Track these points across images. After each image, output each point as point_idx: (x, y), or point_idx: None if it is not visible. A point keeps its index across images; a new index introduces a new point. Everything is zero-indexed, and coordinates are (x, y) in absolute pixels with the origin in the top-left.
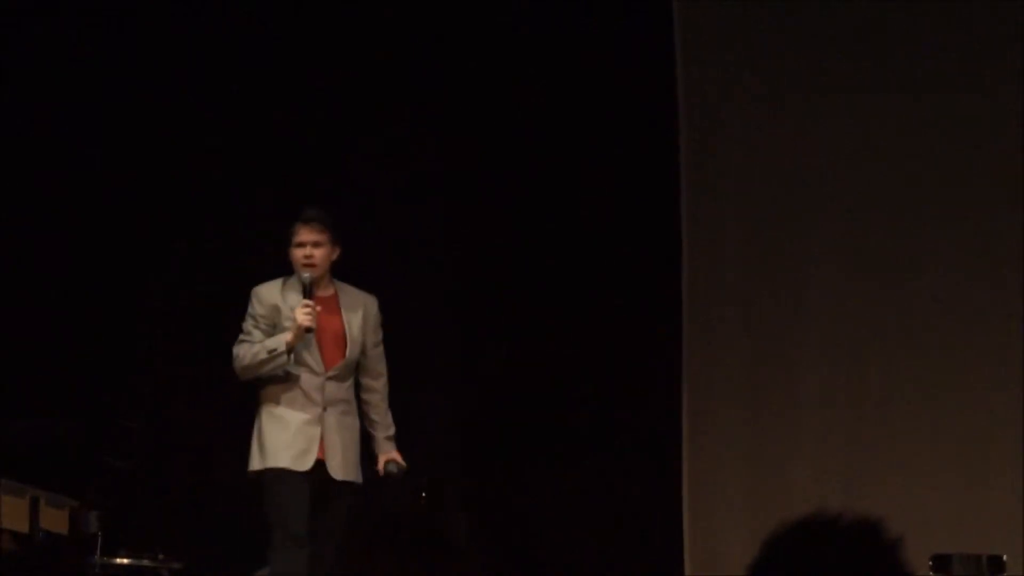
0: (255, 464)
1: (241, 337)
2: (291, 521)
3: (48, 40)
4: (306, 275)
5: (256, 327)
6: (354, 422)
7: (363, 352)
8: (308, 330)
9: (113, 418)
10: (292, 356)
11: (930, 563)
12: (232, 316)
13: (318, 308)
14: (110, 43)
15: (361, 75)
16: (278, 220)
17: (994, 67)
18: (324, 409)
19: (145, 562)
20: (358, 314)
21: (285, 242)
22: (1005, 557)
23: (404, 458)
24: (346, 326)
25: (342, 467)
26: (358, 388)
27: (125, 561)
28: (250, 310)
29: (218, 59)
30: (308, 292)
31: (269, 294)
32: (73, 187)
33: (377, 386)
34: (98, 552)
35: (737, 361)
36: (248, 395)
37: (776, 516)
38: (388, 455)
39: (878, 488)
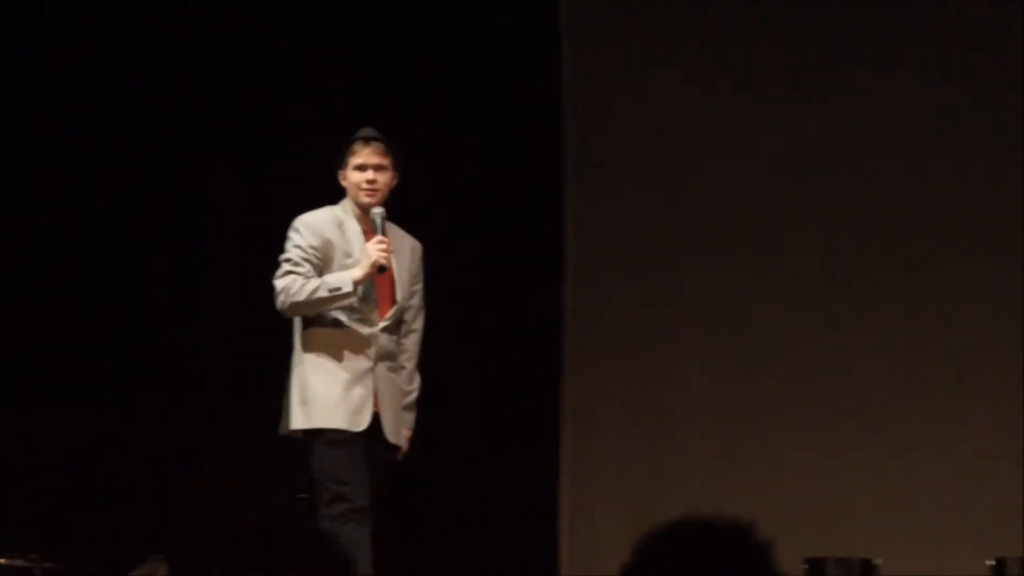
0: (298, 422)
1: (287, 268)
2: (355, 492)
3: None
4: (377, 210)
5: (306, 259)
6: (400, 379)
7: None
8: (382, 269)
9: None
10: (357, 297)
11: (804, 566)
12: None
13: (392, 247)
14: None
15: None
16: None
17: (863, 55)
18: (375, 363)
19: (19, 562)
20: (406, 258)
21: (334, 164)
22: (878, 561)
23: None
24: (396, 270)
25: (394, 428)
26: None
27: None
28: (297, 240)
29: None
30: (379, 227)
31: (320, 224)
32: None
33: (407, 343)
34: None
35: (617, 363)
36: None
37: (653, 518)
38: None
39: (754, 491)
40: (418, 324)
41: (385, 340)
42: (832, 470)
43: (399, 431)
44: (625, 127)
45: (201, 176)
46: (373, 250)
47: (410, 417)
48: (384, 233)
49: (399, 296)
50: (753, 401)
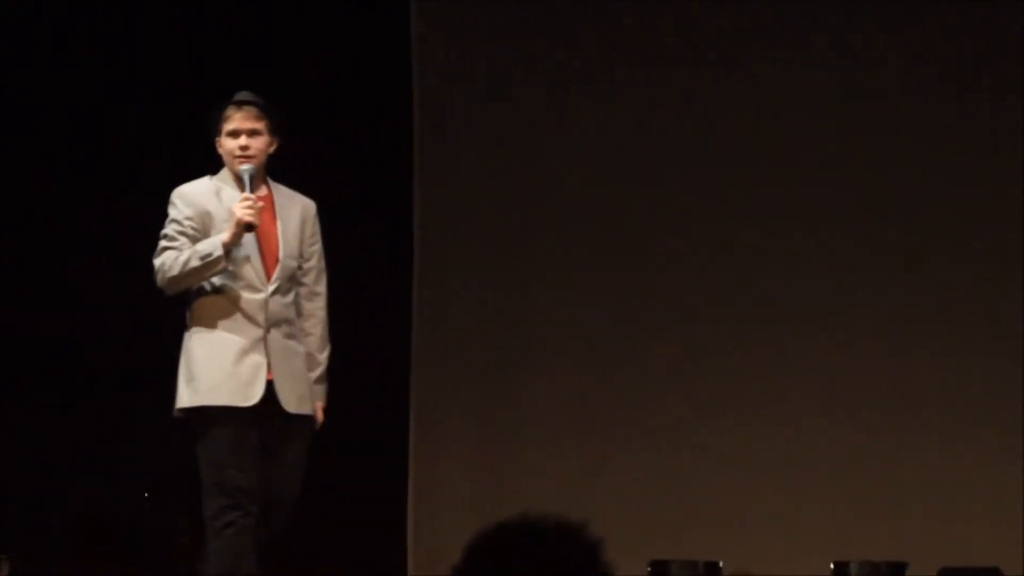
0: (184, 400)
1: (163, 244)
2: (230, 476)
3: None
4: (245, 167)
5: (182, 232)
6: (299, 346)
7: (299, 266)
8: (249, 227)
9: None
10: (230, 261)
11: (648, 568)
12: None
13: (260, 203)
14: None
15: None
16: None
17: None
18: (267, 331)
19: None
20: (294, 218)
21: (211, 132)
22: (722, 563)
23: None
24: (280, 230)
25: (293, 396)
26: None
27: None
28: (173, 213)
29: None
30: (248, 185)
31: (197, 195)
32: None
33: (312, 308)
34: None
35: (466, 364)
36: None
37: (499, 519)
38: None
39: (600, 493)
40: (321, 287)
41: (277, 305)
42: (681, 473)
43: (301, 400)
44: (475, 125)
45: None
46: (238, 208)
47: (321, 389)
48: (252, 190)
49: (283, 258)
50: (602, 402)
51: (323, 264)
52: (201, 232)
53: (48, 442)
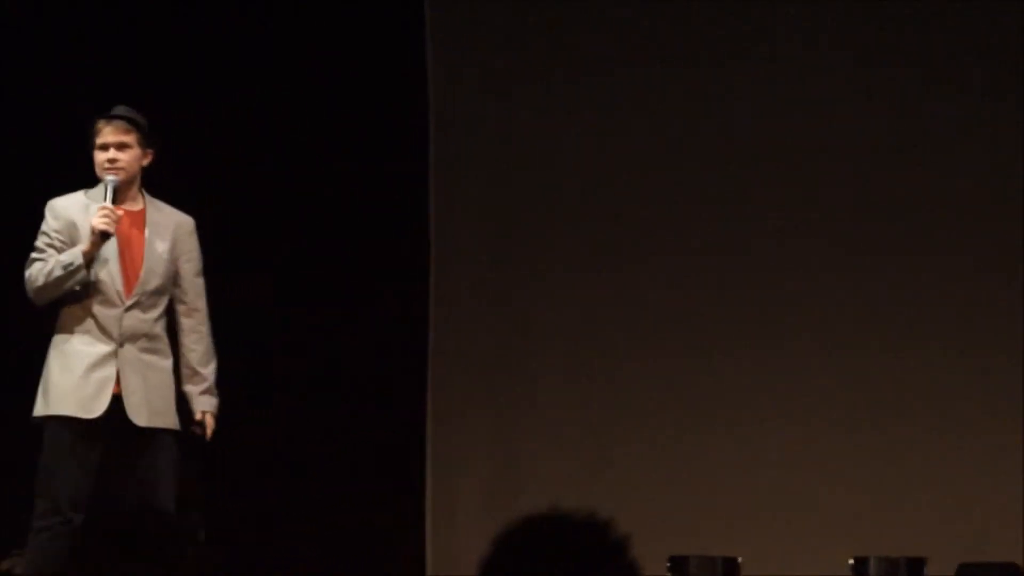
0: (38, 409)
1: (33, 256)
2: (56, 485)
3: None
4: (110, 178)
5: (50, 244)
6: (162, 361)
7: (177, 283)
8: (104, 235)
9: None
10: (92, 271)
11: (668, 564)
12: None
13: (119, 213)
14: None
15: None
16: None
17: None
18: (121, 344)
19: None
20: (167, 234)
21: (86, 145)
22: (740, 559)
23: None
24: (147, 247)
25: (144, 411)
26: (176, 327)
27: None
28: (43, 226)
29: None
30: (109, 196)
31: (66, 207)
32: None
33: (192, 324)
34: None
35: (481, 361)
36: None
37: (515, 515)
38: (198, 413)
39: (618, 490)
40: (201, 303)
41: (134, 320)
42: (698, 468)
43: (156, 415)
44: (489, 123)
45: None
46: (95, 219)
47: (208, 399)
48: (114, 201)
49: (144, 274)
50: (618, 398)
51: (202, 280)
52: (68, 244)
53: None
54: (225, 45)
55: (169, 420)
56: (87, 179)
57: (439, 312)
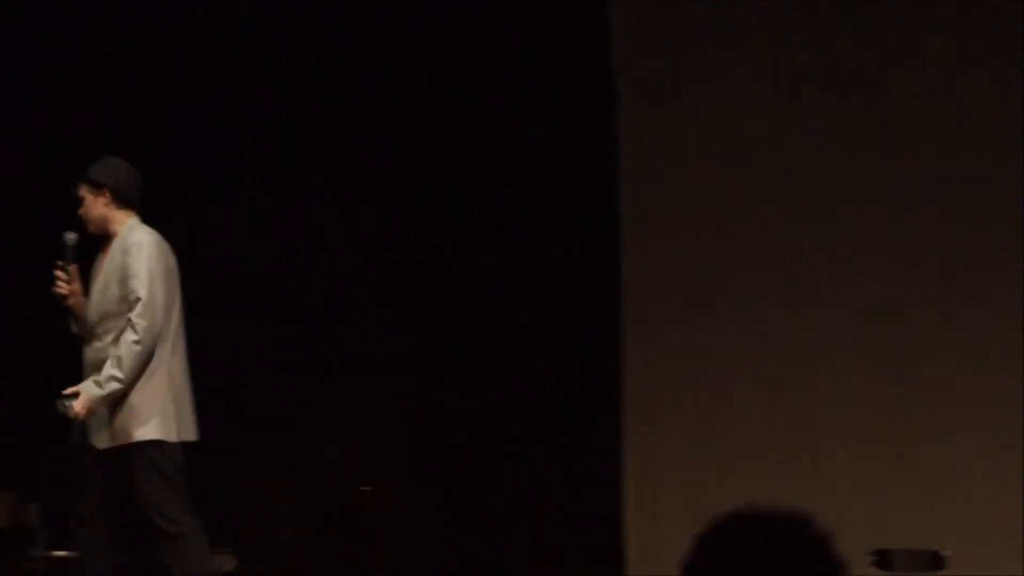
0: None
1: None
2: (79, 502)
3: None
4: (68, 235)
5: None
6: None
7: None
8: (61, 298)
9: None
10: (76, 325)
11: (873, 558)
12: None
13: (70, 268)
14: None
15: (299, 61)
16: None
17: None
18: (87, 377)
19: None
20: (112, 261)
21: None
22: (946, 553)
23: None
24: (97, 277)
25: (103, 434)
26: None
27: (68, 554)
28: None
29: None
30: (66, 255)
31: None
32: None
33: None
34: (41, 545)
35: (677, 357)
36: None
37: (715, 511)
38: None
39: (817, 484)
40: (132, 314)
41: (92, 352)
42: (899, 462)
43: (114, 435)
44: (677, 129)
45: None
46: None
47: (89, 388)
48: (70, 261)
49: (91, 309)
50: (815, 392)
51: (133, 297)
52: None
53: (272, 438)
54: (421, 49)
55: (124, 437)
56: None
57: (633, 306)
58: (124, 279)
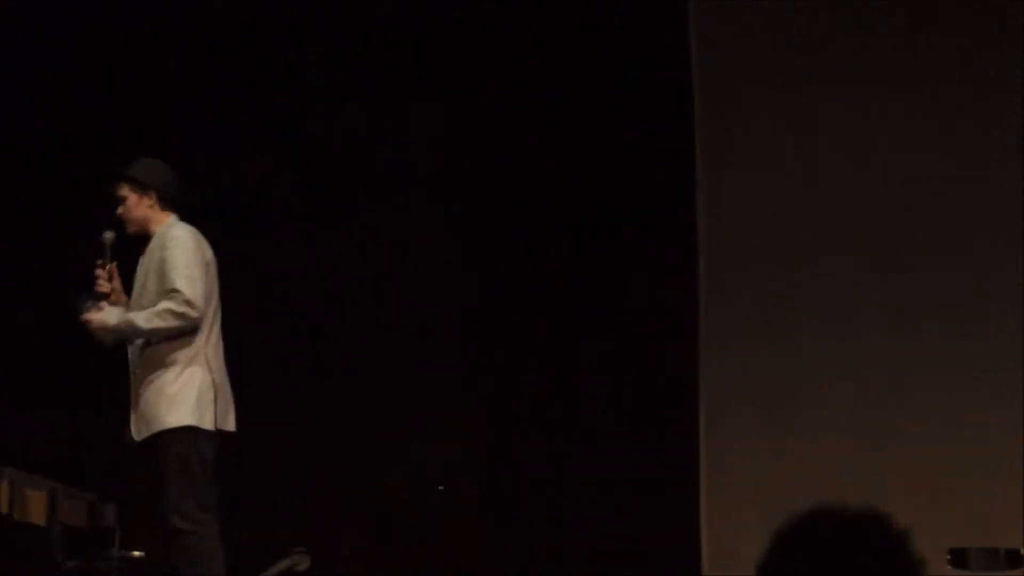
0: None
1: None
2: (204, 492)
3: None
4: (106, 234)
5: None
6: (149, 373)
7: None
8: (102, 296)
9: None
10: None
11: (948, 557)
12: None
13: (109, 266)
14: None
15: (367, 62)
16: None
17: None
18: (134, 372)
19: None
20: (151, 257)
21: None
22: (1023, 551)
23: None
24: (137, 276)
25: (137, 428)
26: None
27: (141, 554)
28: None
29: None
30: (105, 253)
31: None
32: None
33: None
34: (116, 545)
35: (753, 354)
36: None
37: (791, 510)
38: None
39: (895, 482)
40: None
41: (135, 351)
42: (974, 460)
43: (142, 428)
44: (753, 123)
45: None
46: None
47: (114, 318)
48: (109, 259)
49: (132, 309)
50: (892, 390)
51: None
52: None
53: (345, 440)
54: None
55: (151, 428)
56: None
57: (709, 304)
58: (162, 273)
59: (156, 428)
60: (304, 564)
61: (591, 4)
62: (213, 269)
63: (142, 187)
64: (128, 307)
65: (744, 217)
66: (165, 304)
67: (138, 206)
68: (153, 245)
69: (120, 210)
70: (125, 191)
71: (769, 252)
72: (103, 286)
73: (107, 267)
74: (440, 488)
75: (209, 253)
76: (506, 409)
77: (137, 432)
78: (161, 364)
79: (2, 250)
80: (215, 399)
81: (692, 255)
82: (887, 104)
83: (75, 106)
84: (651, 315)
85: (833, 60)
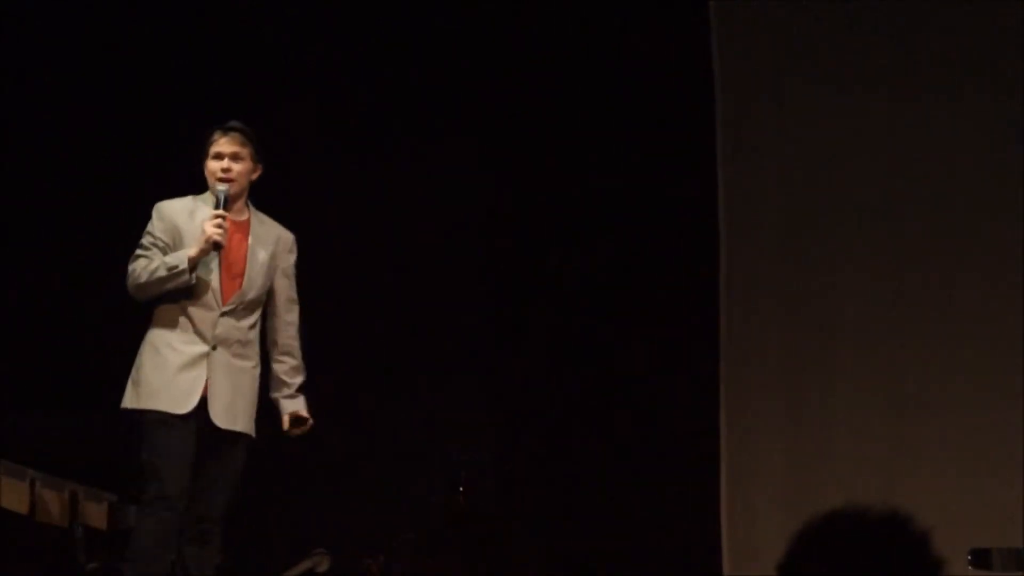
0: (128, 401)
1: (137, 252)
2: (166, 477)
3: None
4: (221, 187)
5: (154, 244)
6: (250, 367)
7: (271, 297)
8: (216, 246)
9: None
10: (194, 275)
11: (969, 557)
12: None
13: (227, 223)
14: None
15: (397, 53)
16: None
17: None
18: (214, 348)
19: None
20: (268, 246)
21: (199, 155)
22: None
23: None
24: (249, 256)
25: (226, 414)
26: (266, 336)
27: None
28: (148, 226)
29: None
30: (220, 203)
31: (173, 211)
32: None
33: (284, 338)
34: None
35: (775, 355)
36: None
37: (812, 511)
38: (291, 412)
39: (915, 482)
40: (292, 316)
41: (228, 326)
42: (995, 461)
43: (235, 418)
44: (774, 123)
45: None
46: (208, 225)
47: (295, 401)
48: (226, 209)
49: (246, 283)
50: (914, 391)
51: (295, 295)
52: (171, 247)
53: (389, 439)
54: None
55: (247, 426)
56: (192, 183)
57: (730, 305)
58: (278, 274)
59: (246, 430)
60: (325, 565)
61: (613, 4)
62: None
63: (257, 159)
64: (232, 270)
65: (766, 217)
66: (296, 315)
67: (249, 173)
68: (266, 234)
69: (229, 164)
70: (247, 152)
71: (791, 252)
72: (222, 236)
73: (226, 219)
74: (461, 489)
75: None
76: (526, 409)
77: (226, 418)
78: (254, 363)
79: (27, 251)
80: None
81: (714, 254)
82: (910, 104)
83: (75, 106)
84: (672, 315)
85: (855, 60)
